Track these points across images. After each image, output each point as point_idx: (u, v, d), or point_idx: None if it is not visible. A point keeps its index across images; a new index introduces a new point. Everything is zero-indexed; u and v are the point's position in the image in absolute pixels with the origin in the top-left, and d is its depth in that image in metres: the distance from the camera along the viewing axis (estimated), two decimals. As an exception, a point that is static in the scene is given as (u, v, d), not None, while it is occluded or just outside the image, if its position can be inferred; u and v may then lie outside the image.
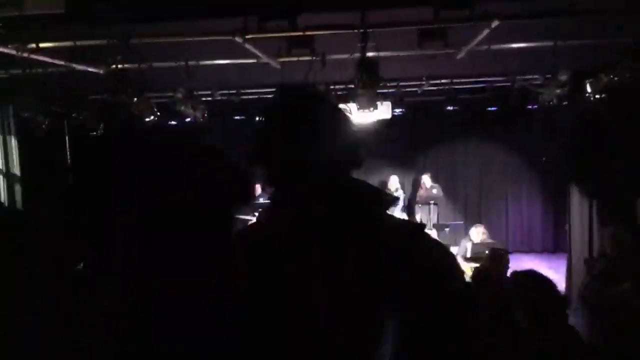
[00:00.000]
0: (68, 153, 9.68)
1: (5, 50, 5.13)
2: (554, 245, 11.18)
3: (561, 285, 8.51)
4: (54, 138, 9.12)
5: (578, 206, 7.97)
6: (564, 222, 9.49)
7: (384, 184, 11.13)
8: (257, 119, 1.31)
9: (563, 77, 6.70)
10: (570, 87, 6.85)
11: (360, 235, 1.20)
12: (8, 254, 1.43)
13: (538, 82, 7.72)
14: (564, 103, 7.66)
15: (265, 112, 1.30)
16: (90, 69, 6.17)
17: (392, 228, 1.27)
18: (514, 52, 6.03)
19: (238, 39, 4.92)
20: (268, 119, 1.29)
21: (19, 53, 5.17)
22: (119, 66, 5.87)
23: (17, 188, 8.20)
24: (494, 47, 5.70)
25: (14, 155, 8.20)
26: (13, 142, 8.20)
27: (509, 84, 8.11)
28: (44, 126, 7.87)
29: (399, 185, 10.75)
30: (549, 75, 7.20)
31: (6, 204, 7.70)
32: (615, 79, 6.13)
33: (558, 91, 7.02)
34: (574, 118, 8.03)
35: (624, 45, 5.70)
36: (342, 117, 1.33)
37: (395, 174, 10.95)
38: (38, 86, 7.13)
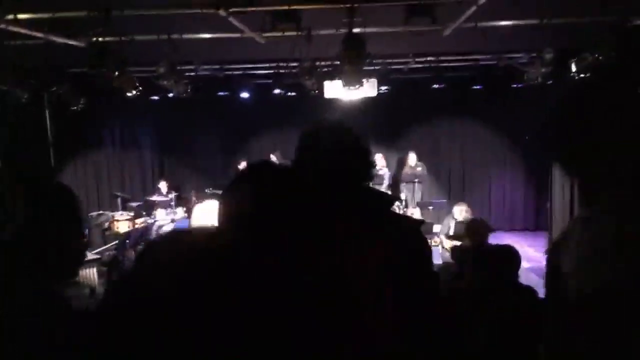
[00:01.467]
0: (48, 127, 9.53)
1: (-18, 21, 4.99)
2: (535, 224, 11.31)
3: (542, 263, 8.64)
4: (34, 112, 8.96)
5: (559, 185, 8.07)
6: (545, 201, 9.61)
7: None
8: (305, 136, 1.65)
9: (548, 56, 6.71)
10: (555, 66, 6.87)
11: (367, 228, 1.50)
12: None
13: (523, 61, 7.74)
14: (549, 82, 7.69)
15: (308, 139, 1.64)
16: (70, 42, 6.02)
17: (394, 222, 1.61)
18: (501, 30, 6.01)
19: (222, 12, 4.83)
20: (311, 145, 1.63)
21: (-4, 24, 5.03)
22: (100, 39, 5.74)
23: (-4, 163, 8.07)
24: (481, 24, 5.67)
25: (-7, 130, 8.06)
26: (-9, 116, 8.05)
27: (494, 62, 8.11)
28: (23, 100, 7.71)
29: (384, 163, 10.76)
30: (534, 54, 7.21)
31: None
32: (600, 58, 6.15)
33: (543, 70, 7.04)
34: (558, 97, 8.07)
35: (609, 24, 5.71)
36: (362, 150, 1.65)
37: (379, 152, 10.95)
38: (16, 59, 6.96)
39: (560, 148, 8.12)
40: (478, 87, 9.32)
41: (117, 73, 6.58)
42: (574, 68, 6.68)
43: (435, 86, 8.95)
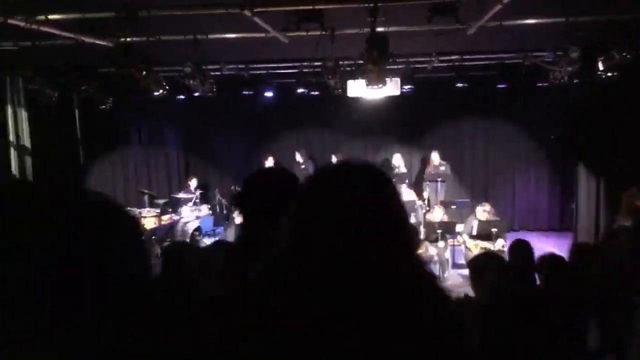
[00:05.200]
0: (77, 125, 9.75)
1: (14, 22, 5.13)
2: (560, 224, 11.17)
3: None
4: (64, 111, 9.18)
5: (585, 184, 7.96)
6: (570, 201, 9.49)
7: (388, 161, 11.15)
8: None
9: (574, 54, 6.62)
10: (582, 65, 6.77)
11: None
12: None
13: (549, 59, 7.64)
14: (575, 81, 7.59)
15: None
16: (98, 42, 6.16)
17: None
18: (525, 29, 5.96)
19: (247, 13, 4.89)
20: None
21: (28, 25, 5.18)
22: (127, 39, 5.85)
23: (28, 160, 8.28)
24: (505, 23, 5.64)
25: (24, 128, 8.27)
26: (23, 115, 8.26)
27: (519, 61, 8.03)
28: (53, 99, 7.90)
29: (402, 163, 10.76)
30: (560, 52, 7.12)
31: (17, 176, 7.78)
32: (628, 56, 6.06)
33: (569, 68, 6.95)
34: (584, 96, 7.96)
35: (636, 22, 5.63)
36: None
37: (400, 151, 10.96)
38: (47, 59, 7.14)
39: (585, 148, 8.01)
40: (502, 86, 9.23)
41: (144, 73, 6.71)
42: (600, 66, 6.59)
43: (459, 85, 8.89)
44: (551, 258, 3.60)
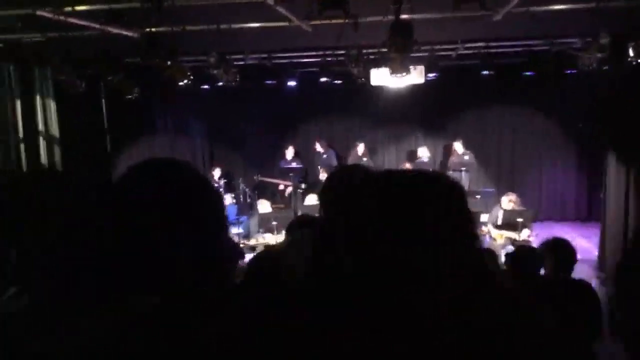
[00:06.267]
0: (105, 115, 9.90)
1: (42, 13, 5.22)
2: (587, 214, 11.00)
3: (594, 253, 8.41)
4: (91, 100, 9.32)
5: (615, 174, 7.79)
6: (598, 190, 9.32)
7: (414, 153, 11.11)
8: None
9: (604, 41, 6.46)
10: (611, 51, 6.61)
11: None
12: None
13: (577, 46, 7.48)
14: (604, 68, 7.41)
15: None
16: (124, 32, 6.22)
17: None
18: (553, 14, 5.83)
19: (269, 1, 4.89)
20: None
21: (55, 16, 5.25)
22: (153, 29, 5.90)
23: (56, 149, 8.44)
24: (533, 8, 5.53)
25: (53, 118, 8.43)
26: (52, 105, 8.41)
27: (546, 47, 7.87)
28: (80, 89, 8.03)
29: (426, 154, 10.71)
30: (589, 39, 6.95)
31: (46, 165, 7.94)
32: (660, 42, 5.90)
33: (598, 55, 6.78)
34: (613, 83, 7.78)
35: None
36: None
37: (425, 145, 10.90)
38: (74, 49, 7.25)
39: (615, 136, 7.84)
40: (529, 73, 9.07)
41: (169, 63, 6.77)
42: (631, 53, 6.41)
43: (485, 73, 8.77)
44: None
